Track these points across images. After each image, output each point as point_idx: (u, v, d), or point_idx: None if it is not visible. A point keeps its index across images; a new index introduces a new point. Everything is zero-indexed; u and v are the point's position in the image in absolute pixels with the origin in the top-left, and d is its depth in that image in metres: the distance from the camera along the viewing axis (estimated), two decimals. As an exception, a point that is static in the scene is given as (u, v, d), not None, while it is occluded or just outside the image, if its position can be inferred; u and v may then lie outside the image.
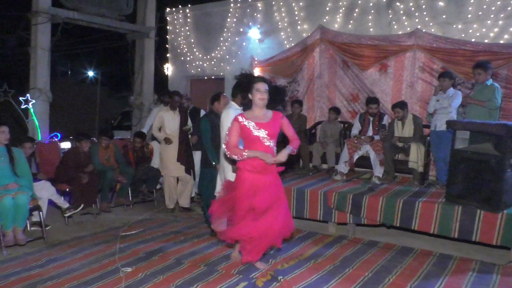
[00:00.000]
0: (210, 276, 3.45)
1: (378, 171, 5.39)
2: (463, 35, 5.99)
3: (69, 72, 19.91)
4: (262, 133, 3.28)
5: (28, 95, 7.23)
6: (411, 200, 4.35)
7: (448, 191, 4.29)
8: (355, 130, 5.89)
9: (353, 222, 4.67)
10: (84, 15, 8.02)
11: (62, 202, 5.07)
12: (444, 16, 6.19)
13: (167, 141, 5.60)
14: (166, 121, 5.66)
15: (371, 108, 5.69)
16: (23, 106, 7.14)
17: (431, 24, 6.29)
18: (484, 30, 5.89)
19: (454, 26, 6.11)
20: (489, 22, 5.86)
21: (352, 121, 6.45)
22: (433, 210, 4.15)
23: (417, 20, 6.38)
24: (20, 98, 7.11)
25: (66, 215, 5.05)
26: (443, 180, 4.85)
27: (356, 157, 5.56)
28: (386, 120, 5.75)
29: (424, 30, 6.08)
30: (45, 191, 4.86)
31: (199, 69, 8.91)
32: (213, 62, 8.67)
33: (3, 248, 4.03)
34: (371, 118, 5.76)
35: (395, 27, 6.60)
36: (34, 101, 7.25)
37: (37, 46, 7.45)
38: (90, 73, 17.93)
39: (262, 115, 3.36)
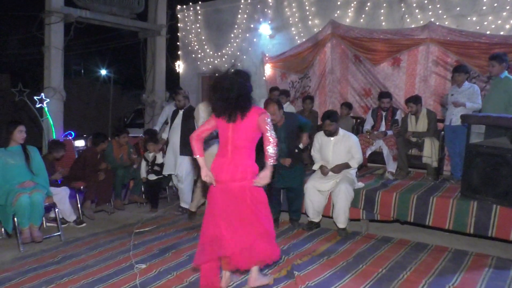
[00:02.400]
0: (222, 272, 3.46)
1: (392, 166, 5.33)
2: (478, 28, 5.88)
3: (82, 71, 20.15)
4: None
5: (42, 94, 7.34)
6: (425, 195, 4.30)
7: (463, 186, 4.22)
8: (367, 125, 5.84)
9: (366, 218, 4.64)
10: (96, 14, 8.10)
11: (69, 217, 4.96)
12: (458, 9, 6.08)
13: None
14: (202, 117, 5.30)
15: (384, 103, 5.63)
16: (37, 105, 7.25)
17: (444, 16, 6.19)
18: (499, 22, 5.77)
19: (469, 18, 6.00)
20: (504, 13, 5.73)
21: (364, 116, 6.40)
22: (448, 205, 4.10)
23: (430, 13, 6.28)
24: (35, 97, 7.22)
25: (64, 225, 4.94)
26: (458, 175, 4.78)
27: (368, 152, 5.51)
28: (399, 115, 5.68)
29: (437, 23, 5.99)
30: (60, 202, 4.75)
31: (210, 66, 8.92)
32: (224, 59, 8.68)
33: (20, 245, 4.10)
34: (384, 113, 5.70)
35: (408, 20, 6.50)
36: (48, 100, 7.36)
37: (51, 45, 7.55)
38: (103, 72, 18.11)
39: None
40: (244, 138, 2.92)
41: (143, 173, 5.76)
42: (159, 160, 5.75)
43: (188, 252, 3.95)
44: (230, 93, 2.85)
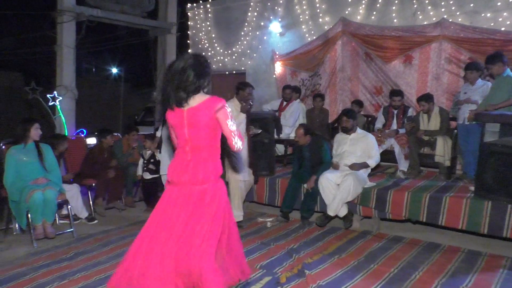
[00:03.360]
0: (234, 270, 3.46)
1: (403, 165, 5.28)
2: (492, 24, 5.79)
3: (94, 69, 20.32)
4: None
5: (55, 92, 7.42)
6: (438, 195, 4.25)
7: (477, 186, 4.16)
8: (378, 124, 5.79)
9: (378, 216, 4.61)
10: (107, 12, 8.15)
11: (81, 214, 5.03)
12: (471, 5, 5.99)
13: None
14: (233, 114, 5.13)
15: (395, 101, 5.59)
16: (50, 103, 7.33)
17: (458, 13, 6.10)
18: (514, 18, 5.68)
19: (483, 14, 5.91)
20: (520, 10, 5.64)
21: (375, 114, 6.35)
22: (461, 205, 4.04)
23: (443, 9, 6.20)
24: (48, 96, 7.30)
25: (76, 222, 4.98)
26: (471, 175, 4.72)
27: (380, 151, 5.46)
28: (410, 113, 5.63)
29: (450, 20, 5.91)
30: (72, 199, 4.80)
31: (220, 64, 8.93)
32: (234, 57, 8.68)
33: (33, 241, 4.15)
34: (395, 111, 5.65)
35: (420, 17, 6.43)
36: (60, 98, 7.43)
37: (63, 44, 7.62)
38: (114, 70, 18.24)
39: None
40: (203, 136, 2.49)
41: (139, 171, 5.60)
42: (158, 157, 5.50)
43: (198, 250, 3.96)
44: (182, 72, 2.40)
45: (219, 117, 2.44)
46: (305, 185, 4.83)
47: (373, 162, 4.69)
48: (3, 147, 4.67)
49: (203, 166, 2.50)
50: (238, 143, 2.49)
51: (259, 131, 5.00)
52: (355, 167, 4.60)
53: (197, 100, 2.46)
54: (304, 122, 6.45)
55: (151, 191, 5.57)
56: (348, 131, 4.77)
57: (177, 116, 2.50)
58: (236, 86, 4.84)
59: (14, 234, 4.51)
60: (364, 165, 4.65)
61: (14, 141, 4.41)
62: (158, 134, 5.51)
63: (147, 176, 5.55)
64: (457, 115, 5.04)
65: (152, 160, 5.53)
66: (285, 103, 6.46)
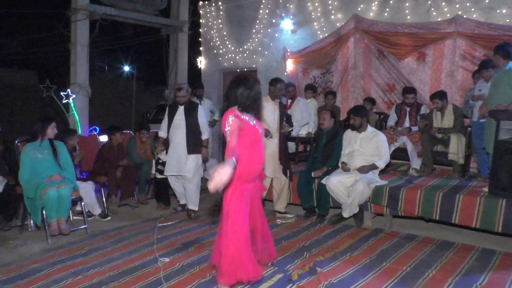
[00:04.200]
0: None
1: (416, 163, 5.23)
2: (507, 20, 5.69)
3: (106, 68, 20.52)
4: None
5: (68, 90, 7.51)
6: (452, 193, 4.20)
7: (491, 184, 4.11)
8: (391, 121, 5.75)
9: (389, 214, 4.58)
10: (121, 11, 8.22)
11: (95, 211, 5.09)
12: (487, 1, 5.89)
13: (268, 133, 4.75)
14: (266, 113, 4.71)
15: (408, 98, 5.53)
16: (64, 101, 7.43)
17: (472, 9, 6.00)
18: (531, 14, 5.57)
19: (498, 11, 5.81)
20: (536, 5, 5.53)
21: (388, 111, 6.30)
22: (475, 203, 3.99)
23: (457, 5, 6.11)
24: (62, 93, 7.40)
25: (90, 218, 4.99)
26: (485, 172, 4.65)
27: (392, 148, 5.42)
28: (424, 111, 5.57)
29: (465, 16, 5.82)
30: (86, 196, 4.85)
31: (231, 62, 8.94)
32: (245, 55, 8.68)
33: (48, 237, 4.22)
34: (408, 109, 5.60)
35: (434, 13, 6.34)
36: (74, 96, 7.52)
37: (77, 42, 7.71)
38: (126, 68, 18.40)
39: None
40: None
41: (153, 170, 5.76)
42: (163, 158, 5.41)
43: (210, 247, 3.98)
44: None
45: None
46: (312, 174, 4.89)
47: (382, 163, 4.65)
48: (18, 144, 4.76)
49: None
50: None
51: (291, 128, 4.98)
52: (363, 170, 4.58)
53: None
54: (315, 119, 6.44)
55: (162, 190, 5.71)
56: (356, 129, 4.73)
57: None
58: (269, 82, 4.84)
59: (29, 231, 4.59)
60: (373, 167, 4.63)
61: (30, 138, 4.49)
62: (163, 135, 5.25)
63: (158, 175, 5.63)
64: (471, 113, 4.97)
65: (160, 161, 5.53)
66: (289, 101, 6.45)
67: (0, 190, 4.40)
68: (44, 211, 4.20)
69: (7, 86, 11.54)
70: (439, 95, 5.21)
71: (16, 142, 4.81)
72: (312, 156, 5.20)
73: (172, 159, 5.05)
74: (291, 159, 5.65)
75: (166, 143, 5.23)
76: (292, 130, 5.09)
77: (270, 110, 4.73)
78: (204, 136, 5.11)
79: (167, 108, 5.25)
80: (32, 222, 4.58)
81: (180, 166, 5.01)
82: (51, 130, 4.43)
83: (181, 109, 5.05)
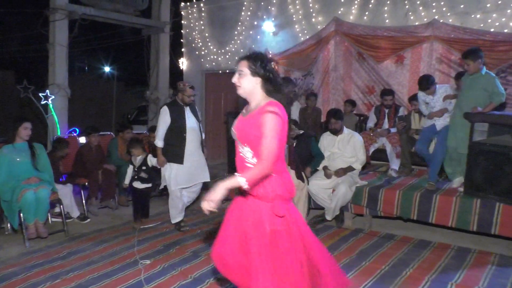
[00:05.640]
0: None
1: (395, 164, 5.34)
2: (482, 25, 5.86)
3: (86, 68, 20.19)
4: (233, 134, 2.22)
5: (47, 91, 7.38)
6: (429, 193, 4.31)
7: (466, 184, 4.23)
8: (370, 123, 5.84)
9: (369, 214, 4.66)
10: (100, 11, 8.12)
11: (74, 213, 5.03)
12: (462, 6, 6.05)
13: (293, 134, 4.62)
14: None
15: (386, 100, 5.64)
16: (42, 102, 7.29)
17: (448, 14, 6.17)
18: (504, 19, 5.75)
19: (473, 16, 5.98)
20: (509, 11, 5.71)
21: (367, 113, 6.40)
22: (451, 203, 4.11)
23: (434, 10, 6.26)
24: (40, 94, 7.26)
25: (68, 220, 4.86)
26: (434, 178, 4.62)
27: (372, 150, 5.52)
28: (402, 112, 5.69)
29: (441, 21, 5.97)
30: (65, 198, 4.77)
31: (213, 63, 8.93)
32: (227, 56, 8.68)
33: (26, 240, 4.14)
34: (387, 110, 5.70)
35: (412, 18, 6.48)
36: (53, 96, 7.39)
37: (55, 42, 7.58)
38: (107, 69, 18.14)
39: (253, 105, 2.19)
40: None
41: (126, 180, 4.85)
42: (153, 162, 4.70)
43: (192, 248, 3.99)
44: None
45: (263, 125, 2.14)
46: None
47: (359, 165, 4.75)
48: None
49: None
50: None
51: (301, 131, 4.75)
52: (339, 173, 4.63)
53: None
54: (297, 121, 6.49)
55: (143, 202, 4.91)
56: (336, 132, 4.78)
57: None
58: None
59: (6, 234, 4.50)
60: (350, 169, 4.69)
61: (6, 140, 4.40)
62: (161, 144, 4.48)
63: (139, 185, 4.79)
64: (423, 121, 5.02)
65: (143, 168, 4.78)
66: None
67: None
68: (21, 214, 4.12)
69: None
70: (417, 98, 5.32)
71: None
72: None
73: (185, 168, 4.43)
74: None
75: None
76: (301, 133, 4.80)
77: None
78: (203, 136, 4.79)
79: (167, 110, 4.44)
80: (9, 225, 4.49)
81: (197, 174, 4.55)
82: (24, 131, 4.30)
83: (187, 110, 4.50)
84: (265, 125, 1.99)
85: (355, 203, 4.63)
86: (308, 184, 4.58)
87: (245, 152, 2.12)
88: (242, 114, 2.24)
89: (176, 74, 10.02)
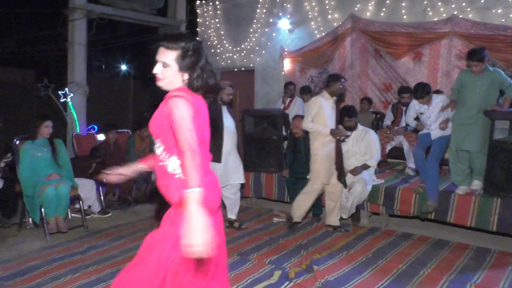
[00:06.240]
0: (243, 265, 3.52)
1: (412, 162, 5.25)
2: (503, 20, 5.73)
3: (103, 67, 20.46)
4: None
5: (66, 89, 7.52)
6: (447, 192, 4.24)
7: (486, 183, 4.15)
8: (387, 121, 5.79)
9: (386, 213, 4.62)
10: (118, 10, 8.22)
11: (93, 209, 5.12)
12: (482, 1, 5.93)
13: (337, 134, 4.31)
14: (326, 110, 4.29)
15: (404, 98, 5.57)
16: (62, 100, 7.43)
17: (468, 9, 6.05)
18: (526, 14, 5.62)
19: (494, 11, 5.85)
20: (531, 6, 5.58)
21: (384, 111, 6.34)
22: (470, 202, 4.04)
23: (453, 5, 6.15)
24: (59, 92, 7.40)
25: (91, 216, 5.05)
26: (433, 197, 4.23)
27: (389, 148, 5.47)
28: (420, 110, 5.60)
29: (461, 16, 5.86)
30: (85, 194, 4.85)
31: (229, 61, 8.95)
32: (243, 54, 8.69)
33: (47, 235, 4.24)
34: (404, 108, 5.62)
35: (430, 13, 6.38)
36: (72, 95, 7.52)
37: (74, 41, 7.71)
38: (123, 67, 18.36)
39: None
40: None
41: (153, 176, 4.91)
42: None
43: (208, 245, 4.02)
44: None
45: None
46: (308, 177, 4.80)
47: (373, 161, 4.68)
48: (17, 142, 4.76)
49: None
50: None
51: (349, 133, 4.60)
52: (355, 171, 4.60)
53: None
54: None
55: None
56: (351, 130, 4.72)
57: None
58: (327, 79, 4.43)
59: (28, 228, 4.61)
60: (365, 167, 4.65)
61: (27, 137, 4.51)
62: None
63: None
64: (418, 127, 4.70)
65: None
66: (288, 100, 6.51)
67: (-1, 187, 4.43)
68: (42, 209, 4.22)
69: (4, 85, 11.51)
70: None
71: (15, 140, 4.82)
72: (289, 158, 5.08)
73: (221, 167, 4.33)
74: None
75: None
76: (350, 135, 4.61)
77: (329, 107, 4.33)
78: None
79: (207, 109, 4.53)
80: (30, 220, 4.60)
81: (232, 174, 4.49)
82: (45, 129, 4.41)
83: (224, 109, 4.43)
84: (173, 111, 1.69)
85: (372, 202, 4.60)
86: (345, 187, 4.48)
87: (157, 149, 1.82)
88: None
89: (192, 72, 10.08)
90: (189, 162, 1.63)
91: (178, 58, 1.78)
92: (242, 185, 4.79)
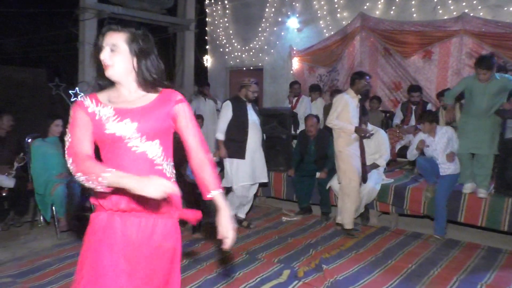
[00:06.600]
0: (252, 264, 3.53)
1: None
2: (515, 18, 5.67)
3: (113, 66, 20.61)
4: (126, 128, 1.58)
5: (77, 88, 7.60)
6: (457, 191, 4.21)
7: (498, 183, 4.11)
8: (397, 119, 5.75)
9: (395, 212, 4.59)
10: (128, 10, 8.29)
11: None
12: (494, -1, 5.87)
13: (361, 132, 4.24)
14: (351, 108, 4.22)
15: (413, 97, 5.53)
16: (73, 99, 7.52)
17: (479, 7, 5.99)
18: (539, 12, 5.55)
19: (505, 8, 5.79)
20: (544, 3, 5.51)
21: (394, 110, 6.30)
22: (481, 202, 4.00)
23: (464, 3, 6.09)
24: (70, 91, 7.48)
25: None
26: (441, 230, 4.18)
27: (398, 147, 5.44)
28: (429, 109, 5.56)
29: (472, 14, 5.81)
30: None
31: (238, 60, 8.97)
32: (251, 53, 8.70)
33: (58, 233, 4.29)
34: (414, 107, 5.60)
35: (440, 11, 6.33)
36: (82, 94, 7.60)
37: (85, 41, 7.79)
38: (133, 66, 18.50)
39: (137, 95, 1.66)
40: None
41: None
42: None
43: (217, 244, 4.04)
44: None
45: (178, 115, 1.69)
46: (318, 175, 4.86)
47: (383, 161, 4.65)
48: (29, 141, 4.83)
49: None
50: None
51: (373, 132, 4.55)
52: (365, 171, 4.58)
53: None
54: (321, 118, 6.46)
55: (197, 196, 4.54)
56: None
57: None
58: (351, 76, 4.37)
59: (39, 226, 4.67)
60: (374, 166, 4.63)
61: (37, 136, 4.57)
62: (222, 137, 4.40)
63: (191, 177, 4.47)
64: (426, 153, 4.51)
65: None
66: (294, 100, 6.52)
67: (11, 186, 4.49)
68: (53, 207, 4.27)
69: (16, 84, 11.67)
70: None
71: (26, 139, 4.88)
72: (296, 158, 5.11)
73: (247, 164, 4.35)
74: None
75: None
76: (374, 133, 4.55)
77: (354, 105, 4.25)
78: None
79: (230, 104, 4.36)
80: (42, 218, 4.66)
81: (258, 172, 4.46)
82: (55, 128, 4.48)
83: (249, 106, 4.43)
84: (189, 113, 1.71)
85: (381, 201, 4.58)
86: (364, 182, 4.41)
87: (151, 151, 1.62)
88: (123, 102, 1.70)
89: (200, 71, 10.13)
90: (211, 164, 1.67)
91: (128, 40, 1.61)
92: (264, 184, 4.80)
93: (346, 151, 4.23)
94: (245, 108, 4.37)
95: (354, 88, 4.26)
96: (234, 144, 4.35)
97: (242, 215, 4.63)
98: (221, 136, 4.38)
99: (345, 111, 4.19)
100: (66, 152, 1.58)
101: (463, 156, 4.25)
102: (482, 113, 4.07)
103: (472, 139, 4.13)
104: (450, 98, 4.30)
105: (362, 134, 4.25)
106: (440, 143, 4.31)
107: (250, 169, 4.36)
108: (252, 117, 4.41)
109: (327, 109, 6.49)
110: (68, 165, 1.55)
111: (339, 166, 4.31)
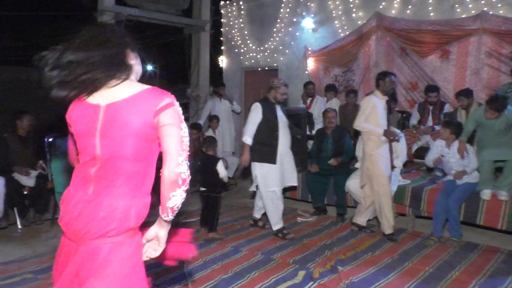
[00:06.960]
0: (267, 264, 3.54)
1: (439, 162, 5.16)
2: (537, 16, 5.53)
3: (130, 67, 20.87)
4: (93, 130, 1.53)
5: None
6: (476, 194, 4.14)
7: (518, 185, 4.03)
8: (414, 120, 5.69)
9: (412, 214, 4.54)
10: (145, 11, 8.39)
11: None
12: (514, -4, 5.74)
13: (390, 134, 4.19)
14: (379, 110, 4.17)
15: (430, 97, 5.46)
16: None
17: (499, 5, 5.86)
18: (561, 9, 5.40)
19: (527, 6, 5.66)
20: None
21: (410, 110, 6.23)
22: (500, 204, 3.93)
23: (483, 1, 5.97)
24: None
25: None
26: (457, 234, 4.10)
27: (415, 147, 5.38)
28: (447, 109, 5.49)
29: (491, 12, 5.69)
30: None
31: (253, 61, 8.99)
32: (266, 53, 8.71)
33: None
34: (431, 107, 5.52)
35: (458, 10, 6.22)
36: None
37: (103, 43, 7.91)
38: (149, 67, 18.69)
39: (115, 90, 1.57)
40: (124, 150, 1.50)
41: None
42: (222, 171, 4.24)
43: (233, 243, 4.06)
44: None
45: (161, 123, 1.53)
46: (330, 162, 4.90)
47: (399, 162, 4.61)
48: (49, 140, 4.93)
49: (112, 205, 1.51)
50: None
51: (402, 134, 4.51)
52: None
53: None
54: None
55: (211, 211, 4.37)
56: None
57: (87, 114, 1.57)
58: (376, 77, 4.30)
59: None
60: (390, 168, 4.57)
61: (57, 135, 4.67)
62: (250, 141, 4.21)
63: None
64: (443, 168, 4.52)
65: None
66: (308, 100, 6.51)
67: (32, 184, 4.59)
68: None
69: (36, 85, 11.93)
70: (466, 93, 5.11)
71: (46, 139, 4.98)
72: (315, 155, 5.14)
73: (277, 168, 4.22)
74: (310, 157, 5.56)
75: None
76: (402, 135, 4.57)
77: (381, 107, 4.18)
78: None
79: (259, 107, 4.19)
80: (61, 217, 4.75)
81: (287, 176, 4.38)
82: None
83: (278, 108, 4.32)
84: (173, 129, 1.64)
85: (398, 202, 4.53)
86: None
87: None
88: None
89: (216, 72, 10.18)
90: None
91: None
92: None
93: (376, 154, 4.17)
94: (274, 110, 4.25)
95: (380, 89, 4.20)
96: (265, 148, 4.20)
97: (257, 215, 4.63)
98: (249, 140, 4.18)
99: (373, 113, 4.12)
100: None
101: (485, 164, 4.19)
102: (494, 145, 4.13)
103: (494, 149, 4.15)
104: (464, 136, 4.29)
105: (391, 137, 4.19)
106: (454, 156, 4.27)
107: (279, 173, 4.24)
108: (282, 119, 4.29)
109: (342, 110, 6.48)
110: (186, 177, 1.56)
111: (367, 169, 4.23)
